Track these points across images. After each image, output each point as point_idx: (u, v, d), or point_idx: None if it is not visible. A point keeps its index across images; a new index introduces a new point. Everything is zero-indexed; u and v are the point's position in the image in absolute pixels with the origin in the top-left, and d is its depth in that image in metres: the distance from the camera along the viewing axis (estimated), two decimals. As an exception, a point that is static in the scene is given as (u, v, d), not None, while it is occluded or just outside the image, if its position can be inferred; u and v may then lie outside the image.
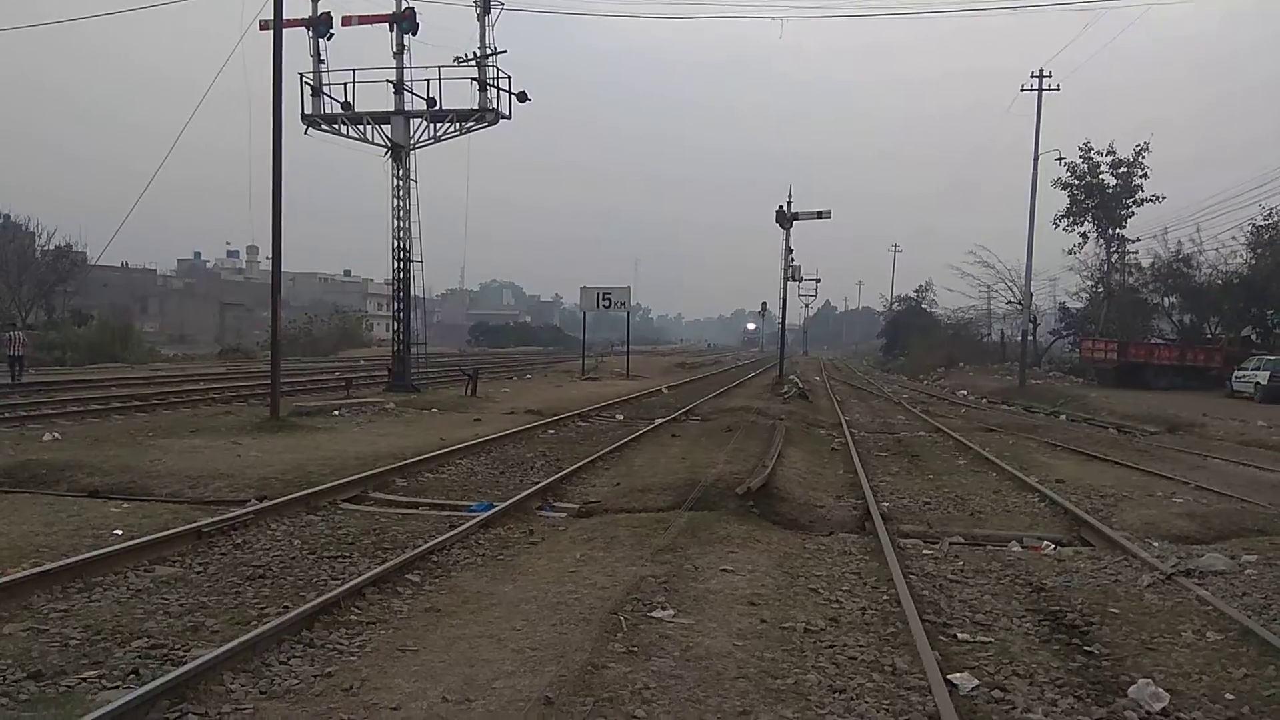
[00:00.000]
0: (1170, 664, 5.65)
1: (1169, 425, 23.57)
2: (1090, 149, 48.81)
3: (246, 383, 27.93)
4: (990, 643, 6.04)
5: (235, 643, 5.23)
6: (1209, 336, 45.80)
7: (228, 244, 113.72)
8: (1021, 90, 41.07)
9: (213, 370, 36.64)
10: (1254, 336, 44.12)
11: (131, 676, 5.00)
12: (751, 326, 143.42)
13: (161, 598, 6.46)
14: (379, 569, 7.04)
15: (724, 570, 7.50)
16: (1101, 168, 48.77)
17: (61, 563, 6.91)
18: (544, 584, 7.02)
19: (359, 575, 6.94)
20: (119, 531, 8.34)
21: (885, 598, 6.97)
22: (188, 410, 20.47)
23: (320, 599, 6.20)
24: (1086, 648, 5.95)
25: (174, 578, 6.97)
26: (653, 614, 6.26)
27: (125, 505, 9.71)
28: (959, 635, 6.18)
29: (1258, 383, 33.55)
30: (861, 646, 5.82)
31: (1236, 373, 35.82)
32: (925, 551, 8.77)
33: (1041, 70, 40.69)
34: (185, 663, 5.04)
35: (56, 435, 14.88)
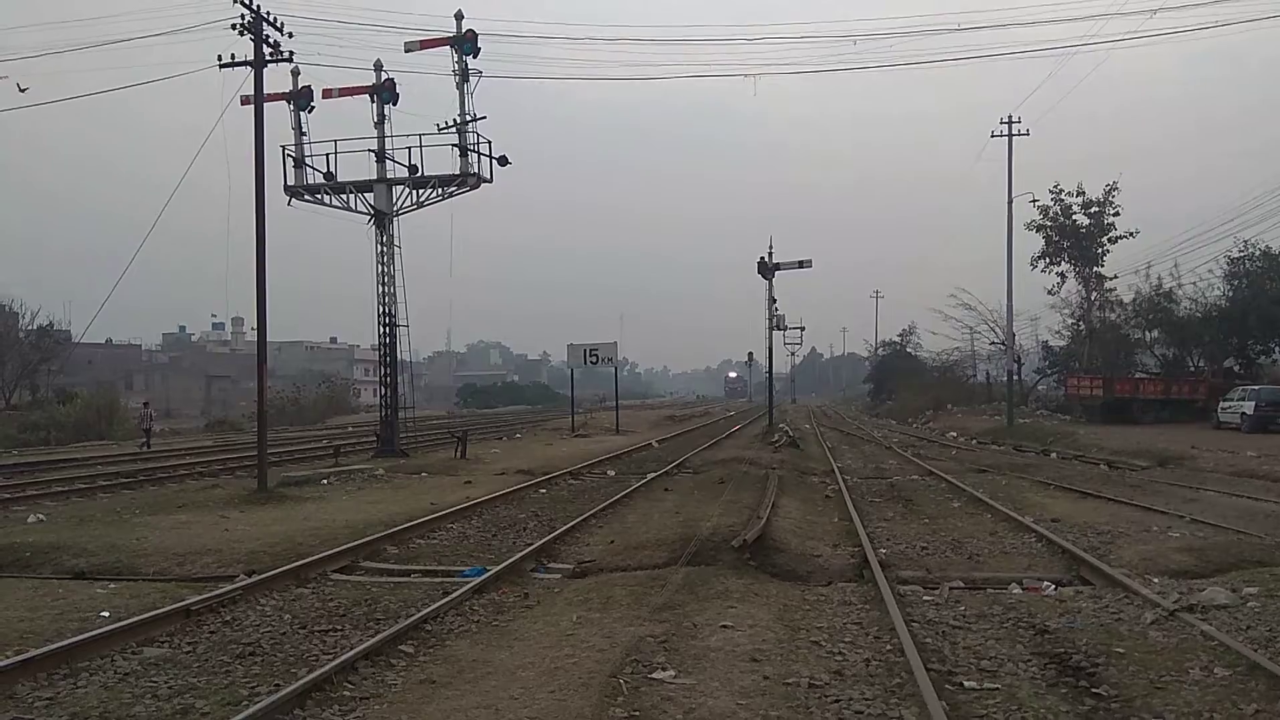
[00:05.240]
0: (1180, 703, 5.57)
1: (1159, 459, 23.58)
2: (1061, 190, 49.41)
3: (234, 455, 27.67)
4: (998, 689, 5.95)
5: (226, 725, 5.11)
6: (1192, 369, 46.13)
7: (213, 316, 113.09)
8: (992, 136, 41.77)
9: (200, 444, 36.33)
10: (1236, 367, 44.44)
11: (119, 765, 4.86)
12: (733, 375, 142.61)
13: (150, 680, 6.31)
14: (371, 641, 6.91)
15: (724, 626, 7.39)
16: (1073, 208, 49.34)
17: (46, 649, 6.76)
18: (541, 649, 6.90)
19: (351, 649, 6.81)
20: (106, 613, 8.17)
21: (889, 647, 6.87)
22: (175, 485, 20.23)
23: (312, 675, 6.07)
24: (1094, 690, 5.87)
25: (162, 659, 6.82)
26: (653, 675, 6.14)
27: (112, 586, 9.53)
28: (965, 683, 6.08)
29: (1243, 413, 33.66)
30: (868, 700, 5.72)
31: (1222, 404, 35.97)
32: (925, 598, 8.68)
33: (1010, 117, 41.42)
34: (175, 748, 4.90)
35: (41, 517, 14.66)
